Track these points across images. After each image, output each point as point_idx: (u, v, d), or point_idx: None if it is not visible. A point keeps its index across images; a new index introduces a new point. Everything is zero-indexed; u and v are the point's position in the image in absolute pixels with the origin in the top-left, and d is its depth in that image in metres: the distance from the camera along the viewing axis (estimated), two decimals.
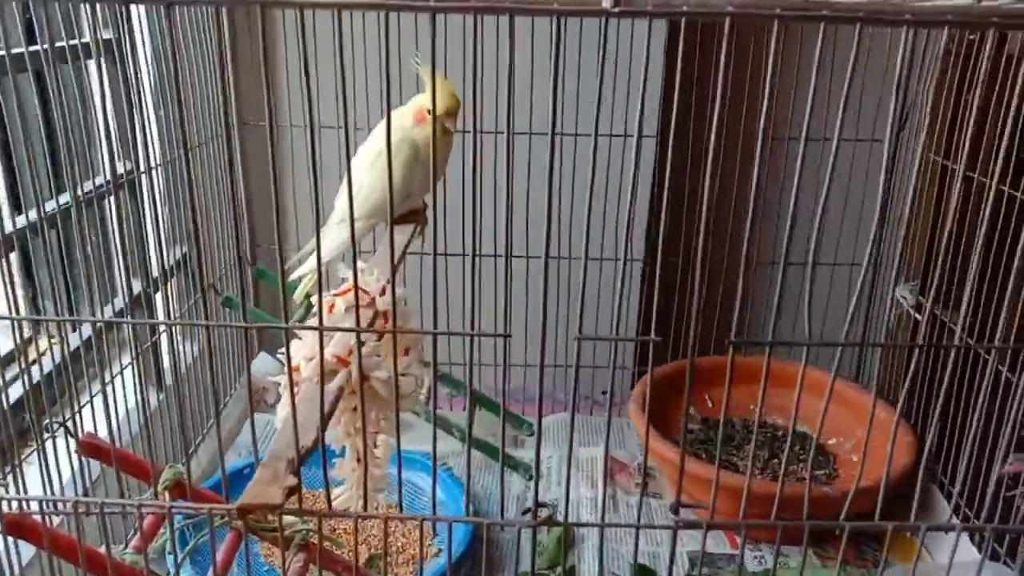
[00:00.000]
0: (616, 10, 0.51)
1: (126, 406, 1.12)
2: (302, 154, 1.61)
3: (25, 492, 0.84)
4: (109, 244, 1.17)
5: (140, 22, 1.32)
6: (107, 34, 1.19)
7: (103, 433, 0.90)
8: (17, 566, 0.81)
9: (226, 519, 0.86)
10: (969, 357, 1.23)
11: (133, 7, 1.25)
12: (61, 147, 0.90)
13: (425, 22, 0.56)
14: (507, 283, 0.62)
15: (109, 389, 0.89)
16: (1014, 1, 0.52)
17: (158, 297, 1.36)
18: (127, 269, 1.19)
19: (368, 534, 1.31)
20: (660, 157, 1.63)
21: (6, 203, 1.06)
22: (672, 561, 0.77)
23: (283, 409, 0.77)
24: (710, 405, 1.64)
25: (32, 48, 0.93)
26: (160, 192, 1.34)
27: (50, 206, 0.95)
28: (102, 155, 1.05)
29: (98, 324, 0.82)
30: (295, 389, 0.65)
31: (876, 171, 1.58)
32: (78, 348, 1.08)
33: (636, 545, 0.77)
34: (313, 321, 0.64)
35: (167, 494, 0.86)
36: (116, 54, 1.17)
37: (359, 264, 0.79)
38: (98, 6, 1.06)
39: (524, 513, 1.43)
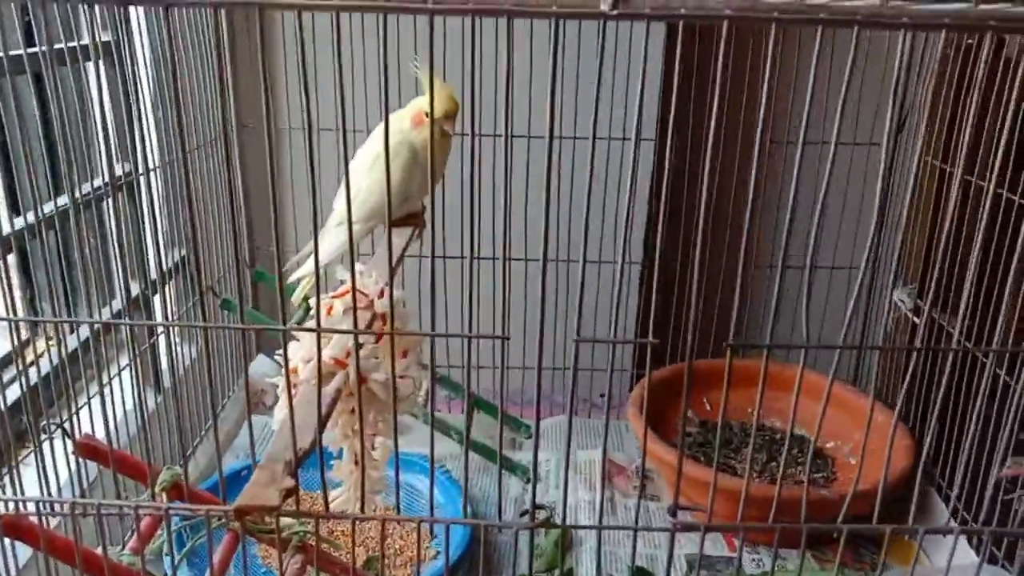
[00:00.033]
0: (614, 12, 0.51)
1: (124, 408, 1.12)
2: (300, 156, 1.61)
3: (22, 493, 0.84)
4: (107, 246, 1.16)
5: (139, 24, 1.32)
6: (106, 36, 1.19)
7: (100, 435, 0.90)
8: (14, 567, 0.80)
9: (223, 521, 0.86)
10: (967, 360, 1.23)
11: (132, 9, 1.25)
12: (60, 149, 0.90)
13: (423, 24, 0.56)
14: (505, 285, 0.62)
15: (107, 391, 0.89)
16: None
17: (156, 299, 1.36)
18: (125, 271, 1.19)
19: (366, 536, 1.31)
20: (658, 159, 1.63)
21: (4, 205, 1.06)
22: (670, 564, 0.77)
23: (281, 411, 0.77)
24: (708, 408, 1.64)
25: (31, 50, 0.94)
26: (158, 194, 1.34)
27: (48, 208, 0.95)
28: (101, 157, 1.05)
29: (96, 326, 0.82)
30: (293, 391, 0.65)
31: (874, 174, 1.58)
32: (76, 350, 1.08)
33: (634, 547, 0.76)
34: (311, 323, 0.64)
35: (164, 495, 0.86)
36: (115, 56, 1.17)
37: (357, 266, 0.79)
38: (97, 8, 1.06)
39: (522, 515, 1.43)
